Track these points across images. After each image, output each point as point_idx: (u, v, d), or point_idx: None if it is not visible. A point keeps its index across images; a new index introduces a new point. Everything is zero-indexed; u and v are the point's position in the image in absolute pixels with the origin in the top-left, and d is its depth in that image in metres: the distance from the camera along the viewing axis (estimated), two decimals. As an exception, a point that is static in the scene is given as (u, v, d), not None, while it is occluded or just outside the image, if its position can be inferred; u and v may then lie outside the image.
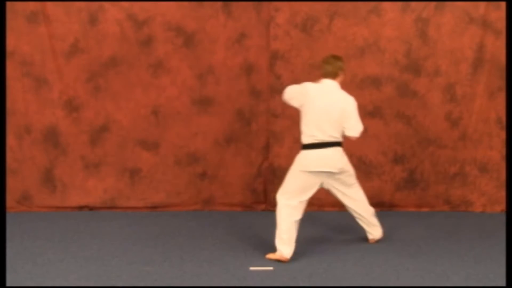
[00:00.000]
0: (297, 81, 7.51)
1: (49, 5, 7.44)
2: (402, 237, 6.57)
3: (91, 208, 7.71)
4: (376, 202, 7.68)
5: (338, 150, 5.92)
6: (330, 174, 5.90)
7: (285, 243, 5.78)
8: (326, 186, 6.00)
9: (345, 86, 7.54)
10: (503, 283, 5.17)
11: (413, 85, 7.54)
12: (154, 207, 7.72)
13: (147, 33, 7.51)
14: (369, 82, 7.53)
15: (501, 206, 7.60)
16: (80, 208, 7.70)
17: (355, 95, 7.54)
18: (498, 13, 7.34)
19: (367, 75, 7.54)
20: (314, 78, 7.49)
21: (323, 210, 7.62)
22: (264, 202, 7.70)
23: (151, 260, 5.80)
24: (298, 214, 5.84)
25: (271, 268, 5.59)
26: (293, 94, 5.94)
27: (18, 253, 6.00)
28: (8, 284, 5.13)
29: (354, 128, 5.94)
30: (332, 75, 5.97)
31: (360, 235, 6.61)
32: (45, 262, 5.76)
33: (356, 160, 7.64)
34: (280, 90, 7.53)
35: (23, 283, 5.22)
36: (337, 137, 5.90)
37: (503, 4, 7.28)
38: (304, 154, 5.88)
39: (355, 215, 6.22)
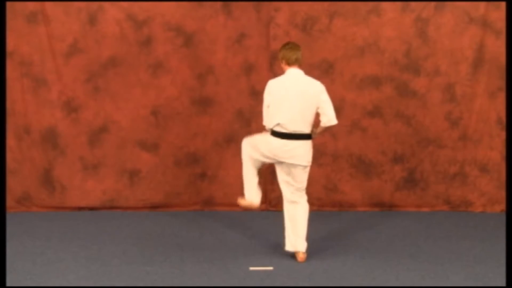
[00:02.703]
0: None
1: (48, 5, 7.43)
2: (402, 237, 6.57)
3: (90, 209, 7.70)
4: (376, 202, 7.70)
5: (310, 143, 5.78)
6: (297, 165, 5.77)
7: (252, 190, 5.91)
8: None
9: (345, 86, 7.58)
10: (503, 283, 5.17)
11: (413, 85, 7.54)
12: (153, 208, 7.71)
13: (146, 33, 7.51)
14: (368, 82, 7.53)
15: (501, 206, 7.60)
16: (80, 209, 7.69)
17: (355, 94, 7.59)
18: (498, 13, 7.34)
19: (367, 75, 7.54)
20: (313, 78, 7.52)
21: (323, 210, 7.62)
22: (264, 202, 7.67)
23: (151, 260, 5.79)
24: (258, 165, 5.87)
25: (271, 268, 5.59)
26: (265, 110, 5.79)
27: (18, 253, 5.99)
28: (8, 284, 5.12)
29: (331, 116, 5.73)
30: (298, 63, 5.78)
31: (360, 236, 6.61)
32: (45, 262, 5.75)
33: (355, 159, 7.65)
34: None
35: (23, 283, 5.22)
36: (307, 129, 5.72)
37: (503, 4, 7.29)
38: (275, 142, 5.72)
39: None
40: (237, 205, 7.65)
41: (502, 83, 7.43)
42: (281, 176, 5.88)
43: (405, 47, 7.49)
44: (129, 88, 7.60)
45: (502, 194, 7.55)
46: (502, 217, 7.25)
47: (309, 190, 7.61)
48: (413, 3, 7.42)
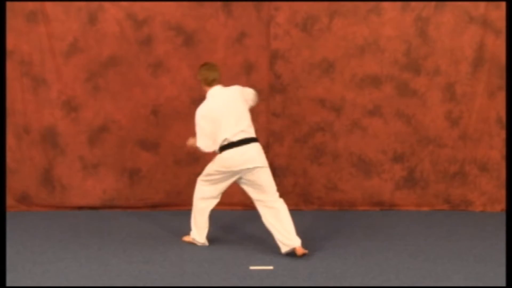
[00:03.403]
0: (297, 80, 7.54)
1: (48, 4, 7.43)
2: (402, 236, 6.57)
3: (90, 209, 7.70)
4: (376, 201, 7.70)
5: (259, 145, 6.02)
6: (256, 169, 5.97)
7: (201, 234, 6.24)
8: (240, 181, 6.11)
9: (345, 85, 7.58)
10: (503, 283, 5.17)
11: (413, 84, 7.53)
12: (154, 207, 7.72)
13: (146, 32, 7.51)
14: (369, 81, 7.53)
15: (501, 206, 7.60)
16: (80, 208, 7.69)
17: (355, 94, 7.59)
18: (498, 12, 7.34)
19: (367, 74, 7.53)
20: (314, 78, 7.52)
21: (323, 209, 7.62)
22: (264, 202, 7.69)
23: (151, 260, 5.79)
24: (212, 204, 6.22)
25: (271, 267, 5.59)
26: (207, 136, 6.00)
27: (18, 253, 5.99)
28: (8, 284, 5.12)
29: (253, 95, 6.23)
30: (217, 82, 6.08)
31: (360, 235, 6.61)
32: (45, 261, 5.75)
33: (356, 158, 7.65)
34: (280, 90, 7.56)
35: (23, 282, 5.22)
36: (252, 133, 6.00)
37: (503, 3, 7.28)
38: (227, 155, 5.94)
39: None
40: (237, 205, 7.72)
41: (502, 82, 7.43)
42: (253, 194, 6.04)
43: (405, 46, 7.48)
44: (129, 87, 7.60)
45: (502, 193, 7.55)
46: (502, 217, 7.25)
47: (309, 190, 7.66)
48: (413, 3, 7.41)
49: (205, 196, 6.21)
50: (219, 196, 6.24)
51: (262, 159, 5.99)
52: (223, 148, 5.95)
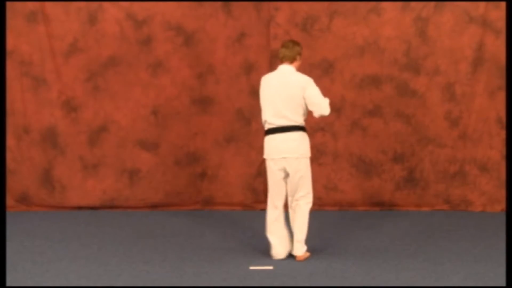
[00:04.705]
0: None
1: (48, 4, 7.44)
2: (402, 236, 6.56)
3: (90, 209, 7.70)
4: (376, 201, 7.70)
5: (300, 135, 5.70)
6: (289, 159, 5.67)
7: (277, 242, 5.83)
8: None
9: (345, 85, 7.59)
10: (503, 283, 5.16)
11: (413, 84, 7.54)
12: (153, 207, 7.72)
13: (146, 32, 7.51)
14: (368, 81, 7.53)
15: (501, 206, 7.60)
16: (79, 208, 7.69)
17: (355, 94, 7.59)
18: (498, 12, 7.34)
19: (367, 74, 7.54)
20: (314, 78, 7.51)
21: (323, 209, 7.62)
22: (264, 202, 7.67)
23: (151, 260, 5.79)
24: (280, 216, 5.80)
25: (271, 267, 5.58)
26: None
27: (18, 253, 5.99)
28: (8, 284, 5.12)
29: (320, 107, 5.70)
30: (290, 60, 5.77)
31: (360, 235, 6.61)
32: (45, 261, 5.75)
33: (356, 159, 7.65)
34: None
35: (23, 282, 5.21)
36: (297, 121, 5.69)
37: (503, 3, 7.29)
38: (266, 141, 5.73)
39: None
40: (237, 205, 7.71)
41: (501, 82, 7.43)
42: (288, 188, 5.79)
43: (405, 46, 7.48)
44: (129, 88, 7.60)
45: (502, 193, 7.55)
46: (502, 217, 7.24)
47: (309, 190, 7.65)
48: (413, 3, 7.41)
49: (269, 196, 5.84)
50: (280, 200, 5.81)
51: (299, 151, 5.65)
52: (265, 132, 5.72)
